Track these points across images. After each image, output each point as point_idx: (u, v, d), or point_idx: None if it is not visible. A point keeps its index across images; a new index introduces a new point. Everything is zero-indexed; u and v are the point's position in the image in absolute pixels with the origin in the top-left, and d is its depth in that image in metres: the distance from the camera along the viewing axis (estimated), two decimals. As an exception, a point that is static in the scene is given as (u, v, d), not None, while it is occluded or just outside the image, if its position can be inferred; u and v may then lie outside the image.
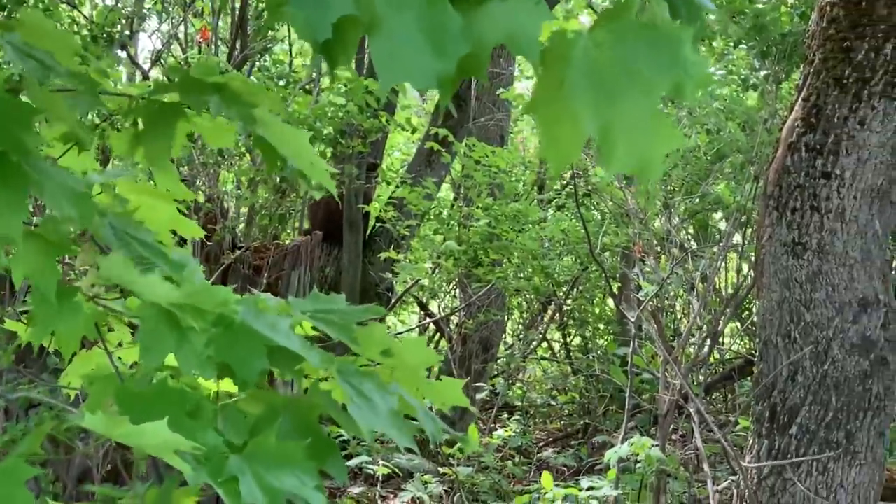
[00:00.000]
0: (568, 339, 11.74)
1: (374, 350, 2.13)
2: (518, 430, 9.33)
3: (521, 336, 11.82)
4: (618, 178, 6.42)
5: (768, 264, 5.44)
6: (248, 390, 1.91)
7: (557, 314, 11.18)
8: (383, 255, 9.03)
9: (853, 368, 5.26)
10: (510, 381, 12.83)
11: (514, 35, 1.51)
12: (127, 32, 7.51)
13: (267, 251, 6.34)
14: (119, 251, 1.88)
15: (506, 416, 11.37)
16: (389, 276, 9.30)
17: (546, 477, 5.88)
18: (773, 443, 5.35)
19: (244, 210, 7.18)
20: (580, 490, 5.59)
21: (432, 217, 8.54)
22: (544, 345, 12.93)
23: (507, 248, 7.78)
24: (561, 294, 9.81)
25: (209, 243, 6.43)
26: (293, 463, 1.76)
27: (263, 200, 6.79)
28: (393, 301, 10.07)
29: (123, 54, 7.62)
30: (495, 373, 12.08)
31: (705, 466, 5.73)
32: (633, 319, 6.00)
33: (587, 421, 10.70)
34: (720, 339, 9.26)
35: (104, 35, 6.81)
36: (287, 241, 6.69)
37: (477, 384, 8.82)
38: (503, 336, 11.30)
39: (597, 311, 11.08)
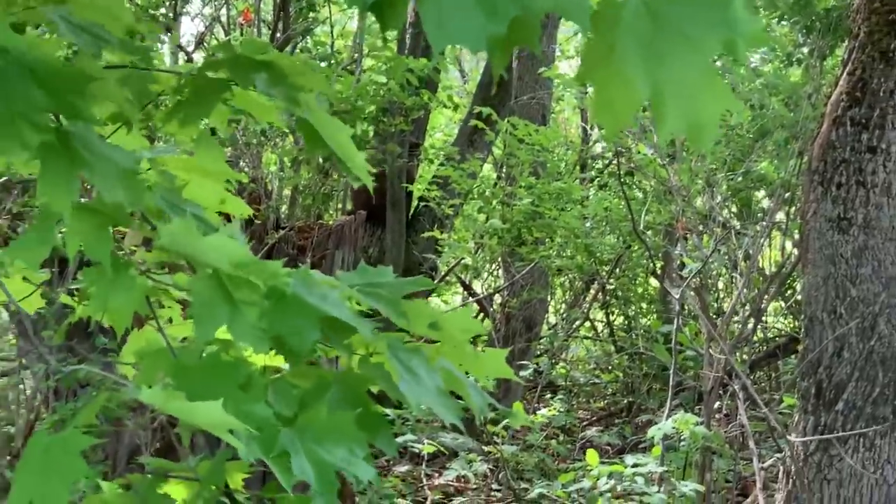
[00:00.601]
0: (611, 318, 11.70)
1: (421, 324, 2.13)
2: (562, 409, 9.32)
3: (564, 315, 11.79)
4: (660, 156, 6.40)
5: (813, 240, 5.41)
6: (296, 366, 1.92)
7: (600, 293, 11.14)
8: (426, 235, 9.04)
9: (900, 344, 5.23)
10: (554, 361, 12.83)
11: (563, 2, 1.50)
12: (171, 15, 7.54)
13: (311, 231, 6.36)
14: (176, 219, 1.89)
15: (549, 395, 11.36)
16: (433, 256, 9.30)
17: (591, 454, 5.87)
18: (819, 419, 5.33)
19: (287, 191, 7.19)
20: (625, 467, 5.58)
21: (476, 196, 8.52)
22: (587, 324, 12.91)
23: (550, 227, 7.77)
24: (604, 273, 9.78)
25: (256, 222, 6.46)
26: (344, 435, 1.77)
27: (306, 181, 6.80)
28: (437, 280, 10.07)
29: (166, 37, 7.65)
30: (538, 352, 12.07)
31: (751, 443, 5.71)
32: (676, 297, 5.98)
33: (631, 399, 10.67)
34: (764, 317, 9.23)
35: (147, 18, 6.84)
36: (331, 221, 6.69)
37: (520, 362, 8.81)
38: (546, 315, 11.28)
39: (639, 290, 11.05)
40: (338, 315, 1.87)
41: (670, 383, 6.19)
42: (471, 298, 11.85)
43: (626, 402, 10.85)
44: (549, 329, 11.58)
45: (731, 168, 6.47)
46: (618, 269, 9.70)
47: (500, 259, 9.50)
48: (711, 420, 6.08)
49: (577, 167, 9.96)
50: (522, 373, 8.59)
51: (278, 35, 8.49)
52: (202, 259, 1.84)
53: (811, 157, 5.44)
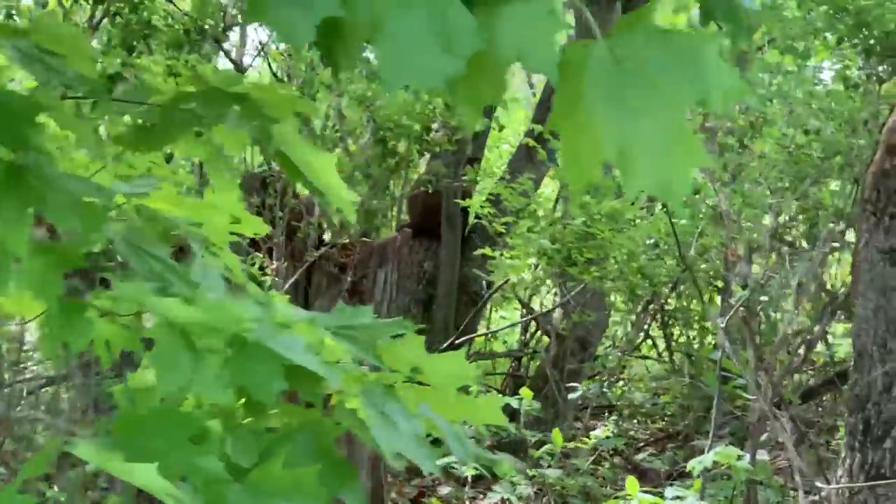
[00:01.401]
0: (671, 339, 11.53)
1: (402, 367, 2.06)
2: (615, 431, 9.19)
3: (620, 336, 11.66)
4: (711, 180, 6.27)
5: (864, 271, 5.25)
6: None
7: (659, 314, 10.99)
8: (478, 252, 8.96)
9: (951, 380, 5.06)
10: (607, 381, 12.68)
11: (526, 51, 1.41)
12: (221, 26, 7.52)
13: (353, 249, 6.30)
14: (133, 266, 1.82)
15: (607, 415, 11.23)
16: (482, 274, 9.21)
17: (631, 483, 5.74)
18: (867, 456, 5.17)
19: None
20: (664, 500, 5.45)
21: (526, 215, 8.42)
22: (649, 342, 12.75)
23: (602, 248, 7.64)
24: (663, 293, 9.63)
25: (301, 237, 6.42)
26: (301, 491, 1.69)
27: (363, 195, 6.76)
28: (482, 300, 9.99)
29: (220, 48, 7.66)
30: (594, 372, 11.94)
31: (797, 477, 5.56)
32: (721, 324, 5.85)
33: (688, 422, 10.51)
34: (823, 342, 9.03)
35: (196, 29, 6.83)
36: (375, 239, 6.63)
37: (571, 384, 8.68)
38: (602, 336, 11.14)
39: (699, 312, 10.88)
40: (303, 363, 1.79)
41: (713, 413, 6.06)
42: (527, 316, 11.77)
43: (683, 424, 10.68)
44: (605, 349, 11.43)
45: (792, 191, 6.32)
46: (676, 290, 9.55)
47: (553, 278, 9.38)
48: (757, 451, 5.93)
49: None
50: (571, 396, 8.47)
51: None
52: (159, 315, 1.77)
53: (864, 186, 5.28)
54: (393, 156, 6.60)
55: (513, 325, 12.39)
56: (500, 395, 8.91)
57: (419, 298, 11.05)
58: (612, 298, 10.31)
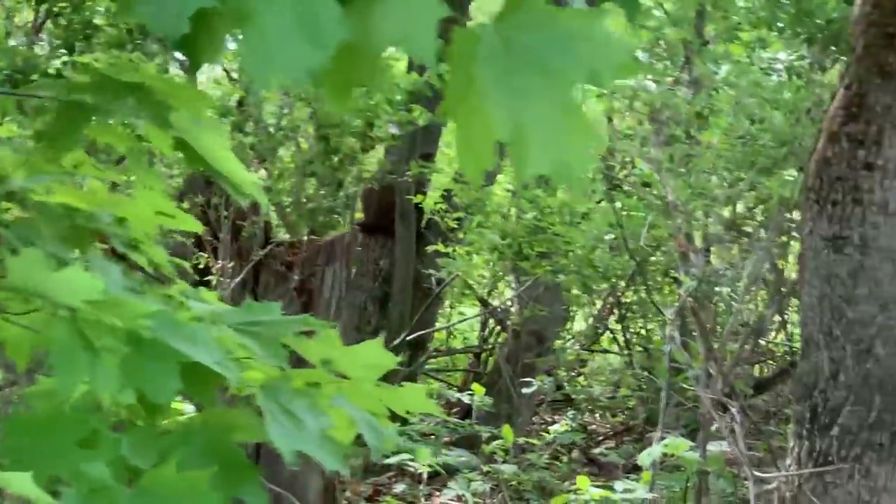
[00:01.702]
0: (627, 333, 11.53)
1: (313, 361, 2.01)
2: (573, 425, 9.18)
3: (575, 331, 11.66)
4: (658, 171, 6.25)
5: (809, 259, 5.23)
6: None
7: (616, 308, 11.00)
8: (430, 248, 8.92)
9: (898, 367, 5.04)
10: (566, 375, 12.66)
11: (407, 37, 1.37)
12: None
13: (301, 247, 6.24)
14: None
15: (568, 409, 11.22)
16: (434, 271, 9.16)
17: (581, 479, 5.73)
18: (814, 444, 5.14)
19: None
20: (614, 493, 5.43)
21: (476, 210, 8.36)
22: (610, 336, 12.73)
23: (553, 242, 7.61)
24: (620, 287, 9.62)
25: (246, 237, 6.35)
26: (194, 495, 1.63)
27: (291, 194, 6.70)
28: (432, 296, 9.93)
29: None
30: (550, 367, 11.92)
31: (746, 468, 5.54)
32: (669, 315, 5.83)
33: (645, 415, 10.51)
34: (784, 332, 9.05)
35: (140, 28, 6.75)
36: (324, 237, 6.57)
37: (525, 379, 8.65)
38: (560, 330, 11.10)
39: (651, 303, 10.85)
40: (202, 359, 1.73)
41: (662, 405, 6.04)
42: (482, 310, 11.74)
43: (642, 417, 10.68)
44: (563, 343, 11.40)
45: (734, 185, 6.30)
46: (633, 284, 9.52)
47: (508, 273, 9.37)
48: (717, 443, 5.91)
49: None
50: (525, 390, 8.43)
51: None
52: (55, 297, 1.70)
53: (807, 174, 5.27)
54: (336, 153, 6.54)
55: (463, 320, 12.37)
56: (459, 390, 8.88)
57: (375, 296, 11.01)
58: (575, 293, 10.31)
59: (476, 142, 1.48)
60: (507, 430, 6.65)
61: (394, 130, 7.07)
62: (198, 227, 2.68)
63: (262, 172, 6.88)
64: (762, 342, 6.52)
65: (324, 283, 6.31)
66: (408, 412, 2.28)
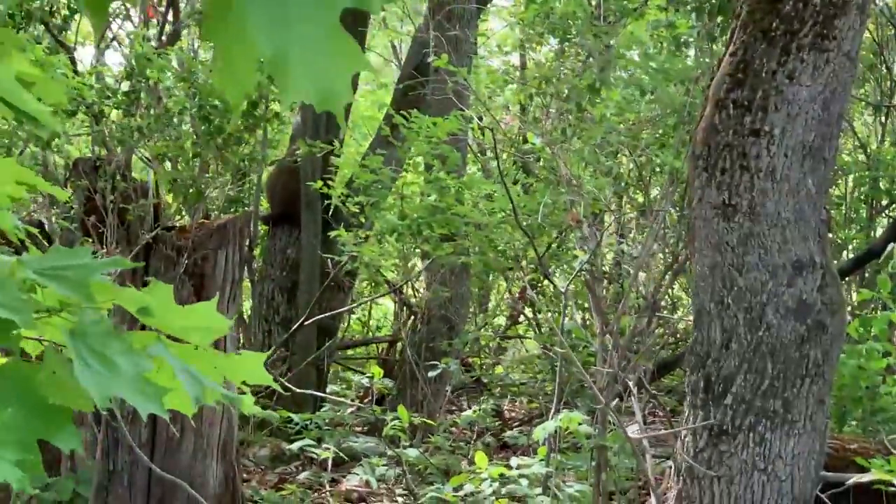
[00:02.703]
0: (537, 315, 11.51)
1: (127, 307, 1.92)
2: (486, 410, 9.13)
3: (481, 313, 11.62)
4: (549, 144, 6.21)
5: (699, 228, 5.21)
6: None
7: (526, 289, 10.96)
8: (332, 234, 8.82)
9: (789, 334, 5.02)
10: (482, 362, 12.64)
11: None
12: (48, 8, 7.31)
13: (191, 230, 6.11)
14: None
15: (484, 397, 11.21)
16: (336, 257, 9.08)
17: (480, 456, 5.67)
18: (709, 413, 5.12)
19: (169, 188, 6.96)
20: (510, 469, 5.38)
21: (374, 192, 8.28)
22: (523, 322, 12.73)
23: (451, 222, 7.54)
24: (522, 267, 9.58)
25: (132, 220, 6.23)
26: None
27: (187, 175, 6.58)
28: (328, 279, 9.85)
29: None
30: (467, 353, 11.90)
31: (644, 442, 5.51)
32: (563, 290, 5.78)
33: (567, 399, 10.50)
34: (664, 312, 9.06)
35: (23, 12, 6.61)
36: (215, 220, 6.45)
37: (431, 362, 8.60)
38: (468, 313, 11.07)
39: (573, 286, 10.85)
40: (-6, 307, 1.64)
41: (556, 380, 6.00)
42: (397, 299, 11.67)
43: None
44: (474, 328, 11.38)
45: (628, 151, 6.28)
46: (535, 264, 9.49)
47: (415, 257, 9.32)
48: (607, 418, 5.87)
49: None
50: (431, 373, 8.37)
51: (168, 27, 8.33)
52: None
53: (694, 142, 5.24)
54: (219, 133, 6.42)
55: (362, 302, 12.29)
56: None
57: (283, 286, 10.91)
58: (480, 276, 10.28)
59: (238, 65, 1.41)
60: (401, 410, 6.58)
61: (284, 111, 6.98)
62: (63, 194, 2.61)
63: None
64: (660, 316, 6.47)
65: (216, 267, 6.19)
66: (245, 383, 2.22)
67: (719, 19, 6.01)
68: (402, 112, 8.27)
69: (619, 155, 6.75)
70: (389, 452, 7.50)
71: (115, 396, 1.74)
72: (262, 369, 2.19)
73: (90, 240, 5.95)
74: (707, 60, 6.04)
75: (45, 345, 1.88)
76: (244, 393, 2.28)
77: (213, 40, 1.37)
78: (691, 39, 6.31)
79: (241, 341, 10.69)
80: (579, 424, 5.28)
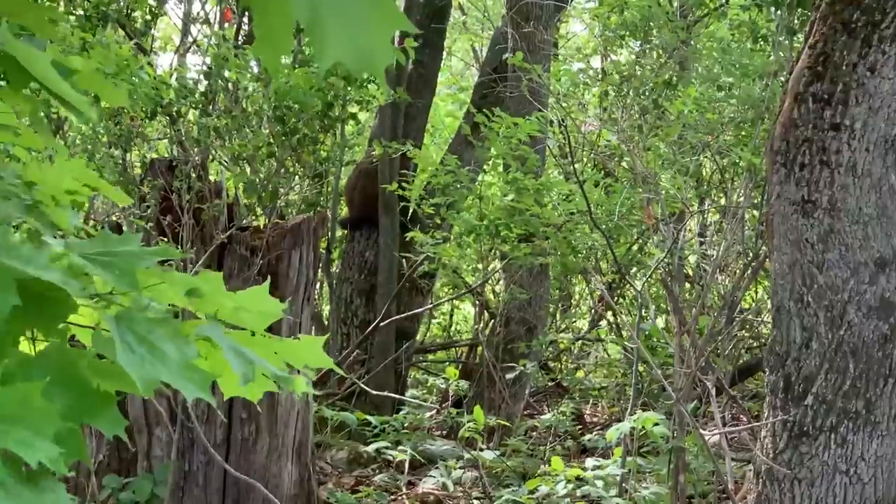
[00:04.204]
0: (618, 317, 11.45)
1: (174, 293, 1.92)
2: (567, 414, 9.09)
3: (561, 316, 11.57)
4: (625, 141, 6.17)
5: (777, 225, 5.14)
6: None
7: (607, 291, 10.91)
8: (408, 235, 8.85)
9: (871, 333, 4.94)
10: (564, 365, 12.60)
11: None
12: (126, 11, 7.42)
13: (266, 231, 6.17)
14: None
15: (565, 400, 11.16)
16: (414, 257, 9.09)
17: (555, 460, 5.66)
18: (789, 414, 5.05)
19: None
20: (585, 470, 5.35)
21: (453, 193, 8.28)
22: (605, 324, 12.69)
23: (530, 223, 7.52)
24: (601, 268, 9.54)
25: (207, 219, 6.29)
26: (27, 412, 1.55)
27: (265, 175, 6.63)
28: (404, 279, 9.86)
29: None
30: (547, 356, 11.86)
31: (723, 441, 5.45)
32: (638, 289, 5.74)
33: (646, 400, 10.44)
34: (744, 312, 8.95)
35: (98, 13, 6.72)
36: (288, 221, 6.50)
37: (508, 364, 8.59)
38: (548, 316, 11.04)
39: (653, 288, 10.77)
40: (43, 276, 1.65)
41: (632, 381, 5.95)
42: (478, 303, 11.66)
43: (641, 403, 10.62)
44: (550, 330, 11.34)
45: (706, 155, 6.23)
46: (616, 266, 9.45)
47: (487, 258, 9.31)
48: (684, 419, 5.81)
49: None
50: (509, 375, 8.36)
51: (244, 28, 8.43)
52: None
53: (772, 137, 5.17)
54: (294, 134, 6.46)
55: (439, 303, 12.28)
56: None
57: (362, 289, 10.95)
58: (559, 277, 10.25)
59: (276, 29, 1.41)
60: (477, 411, 6.57)
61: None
62: (125, 199, 2.65)
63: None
64: (740, 317, 6.41)
65: (290, 267, 6.23)
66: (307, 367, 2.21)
67: (798, 12, 5.94)
68: (483, 110, 8.27)
69: (699, 155, 6.69)
70: (466, 455, 7.49)
71: (159, 380, 1.75)
72: (321, 352, 2.17)
73: (165, 239, 6.02)
74: (786, 54, 5.96)
75: (93, 331, 1.88)
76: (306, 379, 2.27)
77: (250, 4, 1.37)
78: (770, 33, 6.24)
79: (320, 344, 10.74)
80: (655, 425, 5.23)
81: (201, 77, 7.09)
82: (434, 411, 9.57)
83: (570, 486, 5.27)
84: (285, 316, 2.16)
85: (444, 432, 9.45)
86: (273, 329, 2.07)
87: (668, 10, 6.61)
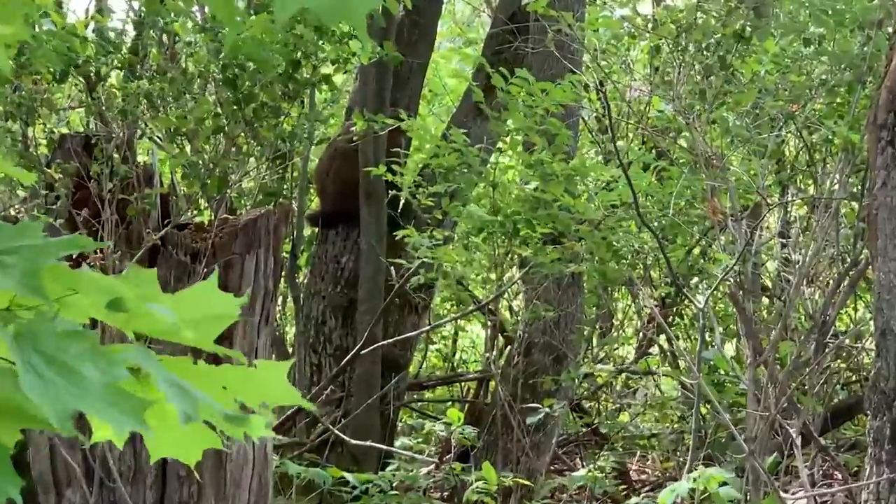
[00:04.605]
0: (673, 344, 11.45)
1: (92, 302, 1.91)
2: (607, 470, 9.11)
3: (599, 341, 11.57)
4: (683, 113, 6.19)
5: (882, 221, 5.15)
6: None
7: (658, 310, 10.92)
8: (400, 235, 8.83)
9: None
10: (601, 404, 12.60)
11: None
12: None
13: (211, 229, 6.17)
14: None
15: (604, 452, 11.17)
16: (406, 264, 9.08)
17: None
18: (896, 470, 5.08)
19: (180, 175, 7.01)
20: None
21: (458, 178, 8.24)
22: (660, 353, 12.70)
23: (559, 219, 7.51)
24: (652, 278, 9.55)
25: (133, 214, 6.29)
26: None
27: (211, 156, 6.61)
28: (394, 292, 9.85)
29: None
30: (580, 393, 11.87)
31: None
32: (700, 305, 5.74)
33: (710, 452, 10.44)
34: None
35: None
36: (240, 216, 6.50)
37: (530, 405, 8.60)
38: (582, 341, 11.03)
39: (719, 305, 10.77)
40: None
41: (693, 428, 5.95)
42: (491, 324, 11.67)
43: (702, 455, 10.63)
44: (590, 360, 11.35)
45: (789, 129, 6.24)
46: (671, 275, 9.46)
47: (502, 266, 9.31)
48: (760, 477, 5.83)
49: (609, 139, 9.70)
50: (530, 419, 8.37)
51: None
52: None
53: (875, 107, 5.18)
54: (249, 102, 6.43)
55: (438, 325, 12.28)
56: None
57: (337, 305, 10.93)
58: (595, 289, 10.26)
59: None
60: (487, 467, 6.59)
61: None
62: (28, 177, 2.66)
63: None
64: (832, 342, 6.38)
65: (243, 277, 6.24)
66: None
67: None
68: (500, 70, 8.26)
69: (780, 130, 6.70)
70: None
71: (77, 412, 1.75)
72: (285, 383, 2.15)
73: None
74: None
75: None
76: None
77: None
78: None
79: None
80: (721, 485, 5.24)
81: (127, 27, 7.09)
82: (432, 466, 9.58)
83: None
84: (242, 317, 2.14)
85: (445, 494, 9.47)
86: (220, 359, 2.05)
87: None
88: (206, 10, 7.12)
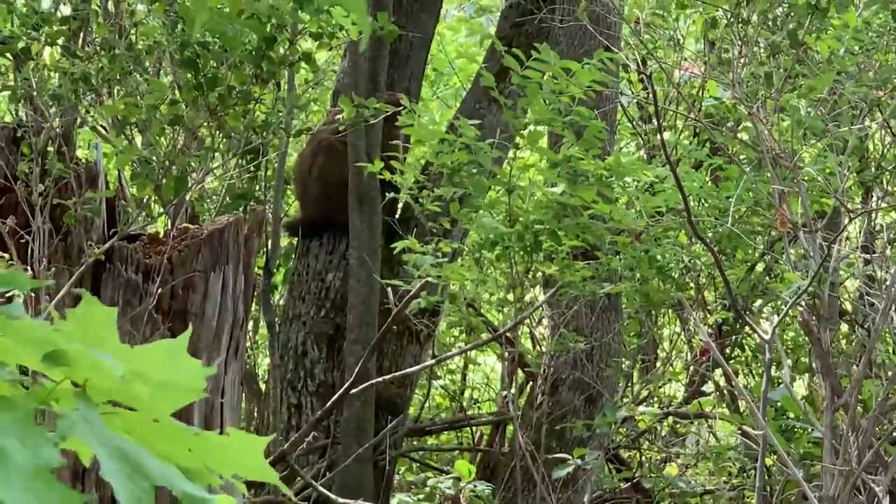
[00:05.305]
0: (732, 381, 11.46)
1: (25, 352, 1.88)
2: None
3: (641, 378, 11.57)
4: (745, 101, 6.19)
5: None
6: None
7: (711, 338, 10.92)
8: (397, 248, 8.82)
9: None
10: (644, 455, 12.60)
11: None
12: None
13: (167, 241, 6.17)
14: None
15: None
16: (404, 285, 9.07)
17: None
18: None
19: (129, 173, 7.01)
20: None
21: (466, 183, 8.23)
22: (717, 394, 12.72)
23: (591, 229, 7.50)
24: (710, 303, 9.55)
25: (71, 222, 6.28)
26: None
27: (167, 151, 6.61)
28: (389, 319, 9.84)
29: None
30: (617, 441, 11.87)
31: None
32: (766, 337, 5.73)
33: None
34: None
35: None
36: (203, 226, 6.49)
37: (557, 455, 8.59)
38: (620, 377, 11.04)
39: (789, 334, 10.77)
40: None
41: (756, 484, 5.94)
42: (509, 353, 11.67)
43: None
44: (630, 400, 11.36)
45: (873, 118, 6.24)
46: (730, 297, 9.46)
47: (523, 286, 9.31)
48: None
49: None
50: (557, 473, 8.36)
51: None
52: None
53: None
54: (214, 86, 6.41)
55: (442, 359, 12.27)
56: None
57: (321, 332, 10.92)
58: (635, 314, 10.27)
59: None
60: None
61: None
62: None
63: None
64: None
65: (206, 299, 6.24)
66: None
67: None
68: (513, 50, 8.25)
69: (863, 121, 6.70)
70: None
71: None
72: (259, 458, 2.12)
73: (6, 256, 6.02)
74: None
75: None
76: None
77: None
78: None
79: (255, 421, 10.75)
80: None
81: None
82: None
83: None
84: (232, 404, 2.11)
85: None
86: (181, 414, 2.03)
87: None
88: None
